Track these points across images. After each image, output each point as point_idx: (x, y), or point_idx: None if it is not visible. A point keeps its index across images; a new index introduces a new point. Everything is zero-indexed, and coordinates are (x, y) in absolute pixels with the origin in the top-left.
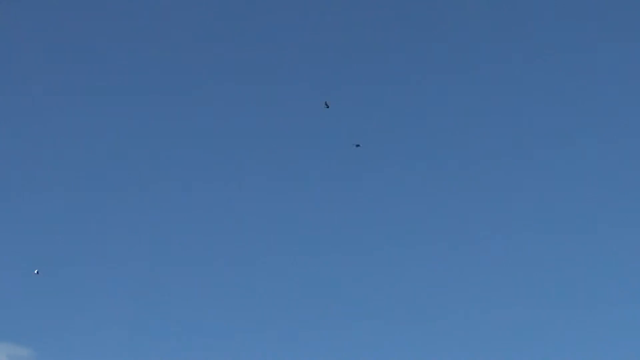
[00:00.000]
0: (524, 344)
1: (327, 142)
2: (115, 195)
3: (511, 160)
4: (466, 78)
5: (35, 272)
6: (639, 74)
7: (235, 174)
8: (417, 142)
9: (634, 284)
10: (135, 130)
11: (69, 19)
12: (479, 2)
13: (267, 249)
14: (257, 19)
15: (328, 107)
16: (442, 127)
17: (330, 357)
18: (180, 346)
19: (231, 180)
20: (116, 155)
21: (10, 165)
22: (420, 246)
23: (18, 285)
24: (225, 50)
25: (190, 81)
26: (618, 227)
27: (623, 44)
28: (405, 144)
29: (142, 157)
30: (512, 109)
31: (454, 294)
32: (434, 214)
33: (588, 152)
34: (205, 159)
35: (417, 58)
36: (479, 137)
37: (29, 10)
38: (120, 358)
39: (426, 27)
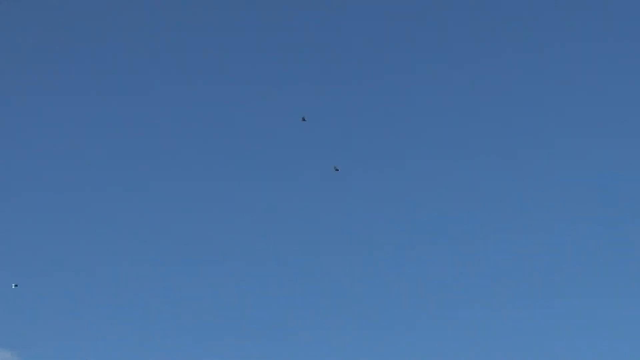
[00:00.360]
0: (522, 345)
1: (323, 143)
2: (99, 198)
3: (509, 160)
4: (464, 77)
5: (14, 286)
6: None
7: (233, 174)
8: (413, 142)
9: (633, 282)
10: (130, 129)
11: (67, 18)
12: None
13: (265, 249)
14: (252, 20)
15: (305, 120)
16: (439, 127)
17: (327, 357)
18: (165, 348)
19: (229, 180)
20: (101, 155)
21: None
22: (419, 247)
23: (0, 288)
24: (222, 51)
25: (187, 81)
26: (618, 227)
27: (622, 44)
28: (402, 143)
29: (134, 157)
30: (510, 110)
31: (451, 295)
32: (432, 214)
33: (586, 152)
34: (202, 158)
35: (414, 57)
36: (475, 137)
37: (29, 10)
38: None
39: (421, 27)
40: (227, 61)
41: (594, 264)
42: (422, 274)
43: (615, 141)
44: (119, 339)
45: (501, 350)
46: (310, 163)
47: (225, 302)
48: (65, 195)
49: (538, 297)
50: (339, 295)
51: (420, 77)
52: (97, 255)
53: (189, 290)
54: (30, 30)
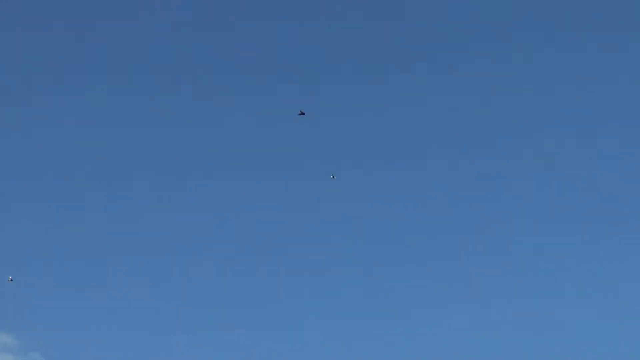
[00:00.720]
0: (518, 341)
1: (325, 139)
2: (97, 186)
3: (507, 160)
4: (463, 75)
5: (10, 279)
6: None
7: (233, 170)
8: (413, 141)
9: (630, 280)
10: (127, 128)
11: (69, 14)
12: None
13: (262, 247)
14: (251, 19)
15: (303, 114)
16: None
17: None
18: (165, 338)
19: (231, 177)
20: (116, 152)
21: (5, 158)
22: (420, 244)
23: (3, 275)
24: (222, 47)
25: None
26: (615, 226)
27: (622, 44)
28: (400, 144)
29: (140, 155)
30: (510, 109)
31: (451, 292)
32: (429, 212)
33: (585, 150)
34: (203, 155)
35: (415, 57)
36: (475, 136)
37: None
38: (103, 348)
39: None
40: (228, 59)
41: (592, 264)
42: (423, 270)
43: (614, 141)
44: (115, 328)
45: (501, 349)
46: (308, 161)
47: (228, 297)
48: (64, 188)
49: (537, 296)
50: (339, 291)
51: (419, 76)
52: (97, 246)
53: (187, 281)
54: (30, 29)
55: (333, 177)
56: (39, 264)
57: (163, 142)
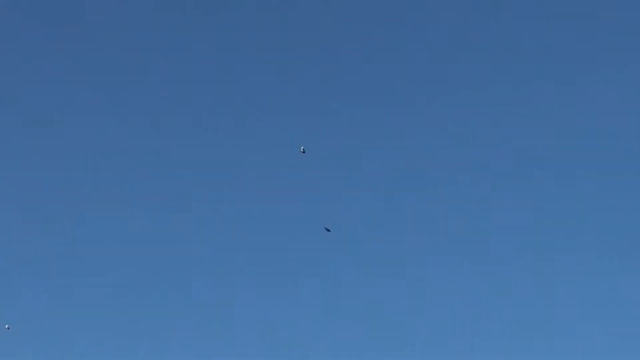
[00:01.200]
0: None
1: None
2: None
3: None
4: (464, 80)
5: (7, 327)
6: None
7: (235, 177)
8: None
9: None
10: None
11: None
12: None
13: (265, 252)
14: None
15: (304, 152)
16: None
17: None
18: (151, 350)
19: (230, 184)
20: (111, 154)
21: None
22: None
23: None
24: (228, 50)
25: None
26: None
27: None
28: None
29: (140, 157)
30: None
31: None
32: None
33: (586, 151)
34: (207, 160)
35: (417, 59)
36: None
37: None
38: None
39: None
40: (227, 65)
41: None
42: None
43: (613, 140)
44: (102, 341)
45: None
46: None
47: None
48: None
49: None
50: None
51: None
52: (82, 258)
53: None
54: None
55: (328, 230)
56: (24, 276)
57: (161, 146)
